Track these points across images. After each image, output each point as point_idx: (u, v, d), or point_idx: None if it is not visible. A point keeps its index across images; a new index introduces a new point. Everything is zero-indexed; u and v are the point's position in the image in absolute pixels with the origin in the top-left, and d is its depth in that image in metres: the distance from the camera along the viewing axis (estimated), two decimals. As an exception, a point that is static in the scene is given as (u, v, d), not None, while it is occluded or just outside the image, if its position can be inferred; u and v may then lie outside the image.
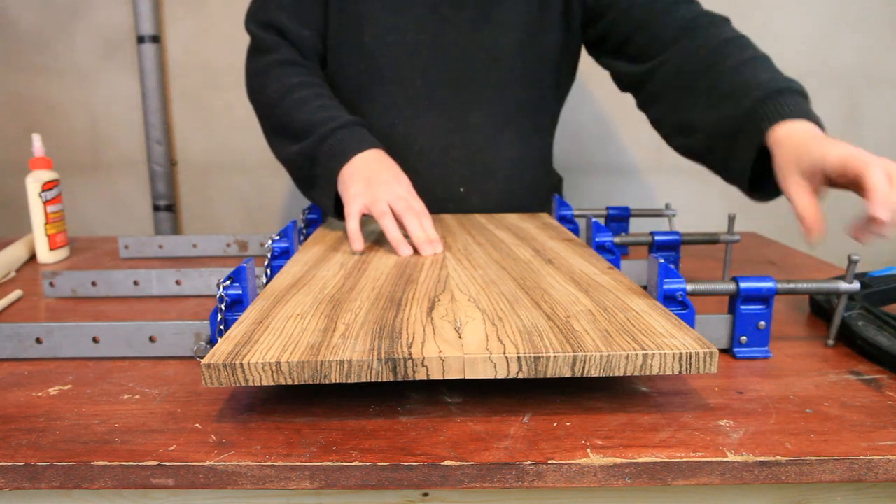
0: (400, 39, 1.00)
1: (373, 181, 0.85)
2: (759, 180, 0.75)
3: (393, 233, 0.81)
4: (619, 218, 1.01)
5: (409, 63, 1.01)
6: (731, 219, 0.81)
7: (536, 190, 1.12)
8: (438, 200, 1.04)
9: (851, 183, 0.59)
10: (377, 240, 0.87)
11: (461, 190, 1.05)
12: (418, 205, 0.85)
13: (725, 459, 0.45)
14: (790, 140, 0.66)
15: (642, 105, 0.96)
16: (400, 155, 0.96)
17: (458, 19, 1.00)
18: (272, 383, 0.47)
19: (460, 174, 1.04)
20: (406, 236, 0.82)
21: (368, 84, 1.02)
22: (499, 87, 1.02)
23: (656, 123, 0.93)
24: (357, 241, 0.81)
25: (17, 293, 0.84)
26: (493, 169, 1.05)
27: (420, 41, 1.00)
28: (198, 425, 0.50)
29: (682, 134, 0.86)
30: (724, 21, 0.89)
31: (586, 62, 1.20)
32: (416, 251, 0.80)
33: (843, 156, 0.59)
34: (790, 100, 0.71)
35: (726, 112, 0.75)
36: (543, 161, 1.13)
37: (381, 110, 1.02)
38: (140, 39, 1.46)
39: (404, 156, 0.99)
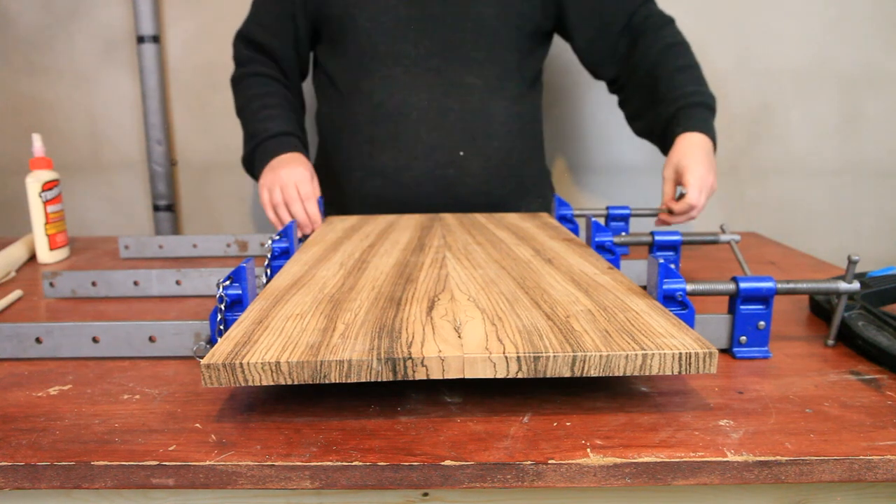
0: (392, 17, 1.08)
1: (275, 167, 1.04)
2: None
3: (272, 219, 1.03)
4: (619, 218, 1.01)
5: (402, 36, 1.08)
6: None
7: (532, 151, 1.19)
8: (441, 165, 1.09)
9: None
10: (376, 239, 0.87)
11: (461, 154, 1.09)
12: (305, 189, 1.01)
13: (725, 459, 0.45)
14: (679, 146, 0.99)
15: (615, 91, 1.18)
16: (400, 122, 1.07)
17: None
18: (272, 383, 0.47)
19: (459, 137, 1.09)
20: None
21: (367, 61, 1.10)
22: (487, 52, 1.10)
23: (622, 105, 1.17)
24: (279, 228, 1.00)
25: (17, 293, 0.84)
26: (490, 131, 1.10)
27: (410, 16, 1.08)
28: (198, 425, 0.50)
29: (637, 119, 1.14)
30: (671, 22, 1.11)
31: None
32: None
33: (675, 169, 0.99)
34: (697, 113, 1.01)
35: (661, 113, 1.05)
36: (535, 121, 1.20)
37: (380, 82, 1.09)
38: (140, 39, 1.46)
39: (404, 122, 1.08)
